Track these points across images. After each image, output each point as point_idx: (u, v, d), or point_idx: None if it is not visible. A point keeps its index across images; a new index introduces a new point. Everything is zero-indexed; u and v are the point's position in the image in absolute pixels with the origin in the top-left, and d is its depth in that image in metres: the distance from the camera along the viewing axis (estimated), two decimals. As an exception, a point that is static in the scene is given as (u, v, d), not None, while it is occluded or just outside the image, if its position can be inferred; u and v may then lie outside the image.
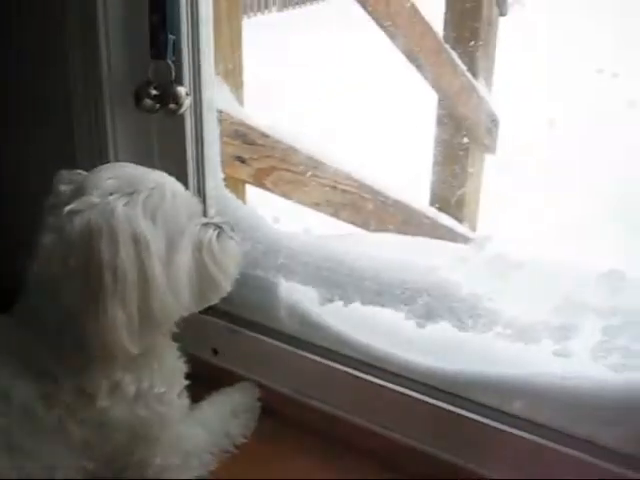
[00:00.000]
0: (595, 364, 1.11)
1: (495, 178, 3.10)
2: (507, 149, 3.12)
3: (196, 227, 1.10)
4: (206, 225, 1.12)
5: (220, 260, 1.11)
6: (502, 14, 2.93)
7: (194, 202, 1.11)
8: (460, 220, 2.76)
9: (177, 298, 1.03)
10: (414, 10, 2.20)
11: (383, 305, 1.29)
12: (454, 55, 2.47)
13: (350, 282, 1.32)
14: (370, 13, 2.06)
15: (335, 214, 2.06)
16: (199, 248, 1.09)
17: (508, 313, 1.16)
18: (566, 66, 5.93)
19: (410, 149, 3.71)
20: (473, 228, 2.91)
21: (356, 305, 1.33)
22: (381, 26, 2.13)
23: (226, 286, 1.12)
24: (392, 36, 2.16)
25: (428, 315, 1.24)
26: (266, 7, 11.50)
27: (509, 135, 3.12)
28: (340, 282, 1.33)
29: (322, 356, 1.36)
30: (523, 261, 1.13)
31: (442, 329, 1.23)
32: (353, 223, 2.17)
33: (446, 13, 2.70)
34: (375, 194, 2.15)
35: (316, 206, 1.98)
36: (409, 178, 2.78)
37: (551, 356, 1.14)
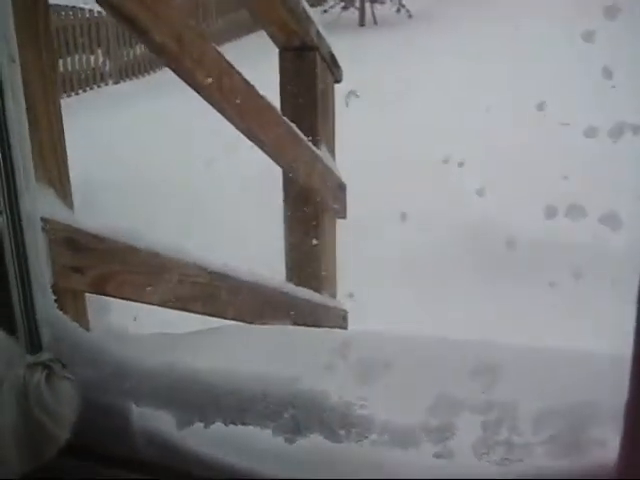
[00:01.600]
0: (479, 461, 1.05)
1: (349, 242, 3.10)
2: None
3: (19, 372, 0.95)
4: (32, 367, 0.98)
5: (51, 407, 0.96)
6: (337, 81, 2.95)
7: (10, 344, 0.96)
8: (319, 290, 2.71)
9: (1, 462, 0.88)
10: (248, 88, 2.15)
11: (246, 423, 1.18)
12: (293, 127, 2.43)
13: (208, 401, 1.20)
14: (204, 97, 1.98)
15: (186, 308, 1.93)
16: (25, 396, 0.94)
17: (382, 418, 1.08)
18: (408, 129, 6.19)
19: (262, 226, 3.66)
20: (333, 295, 2.87)
21: (218, 425, 1.21)
22: (216, 107, 2.06)
23: (62, 435, 0.98)
24: (228, 116, 2.09)
25: (296, 429, 1.13)
26: (102, 80, 11.29)
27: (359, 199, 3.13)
28: (197, 402, 1.21)
29: (186, 483, 1.23)
30: (390, 361, 1.06)
31: (313, 442, 1.13)
32: (209, 314, 2.06)
33: (281, 85, 2.67)
34: (227, 280, 2.04)
35: (165, 303, 1.84)
36: (263, 257, 2.70)
37: (432, 459, 1.07)
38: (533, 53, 7.08)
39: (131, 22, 1.72)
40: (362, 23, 16.10)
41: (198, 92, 1.98)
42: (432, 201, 4.72)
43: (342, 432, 1.11)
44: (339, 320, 2.81)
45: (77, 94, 10.75)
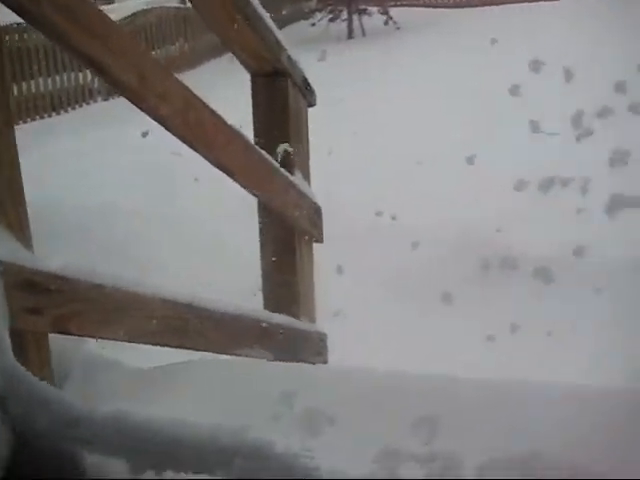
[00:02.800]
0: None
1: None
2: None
3: None
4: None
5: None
6: (310, 105, 2.95)
7: None
8: (298, 316, 2.70)
9: None
10: (216, 119, 2.15)
11: (198, 471, 1.17)
12: (265, 154, 2.43)
13: (160, 450, 1.19)
14: (170, 131, 1.98)
15: (156, 342, 1.93)
16: None
17: (329, 469, 1.08)
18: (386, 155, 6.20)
19: (238, 256, 3.65)
20: (312, 320, 2.87)
21: (169, 474, 1.20)
22: (184, 141, 2.06)
23: None
24: (196, 149, 2.09)
25: (245, 478, 1.13)
26: (91, 97, 11.30)
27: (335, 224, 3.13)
28: (149, 451, 1.20)
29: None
30: (335, 416, 1.06)
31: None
32: (179, 347, 2.05)
33: (254, 111, 2.68)
34: (196, 312, 2.04)
35: (133, 339, 1.83)
36: (240, 287, 2.70)
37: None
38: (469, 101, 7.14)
39: (90, 60, 1.72)
40: (350, 35, 16.14)
41: (164, 126, 1.98)
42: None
43: (288, 484, 1.10)
44: (318, 344, 2.80)
45: (66, 112, 10.77)
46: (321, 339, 2.84)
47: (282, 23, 17.18)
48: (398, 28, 15.58)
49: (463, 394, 1.28)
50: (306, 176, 2.77)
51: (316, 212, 2.80)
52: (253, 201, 2.62)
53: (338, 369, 2.04)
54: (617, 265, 3.76)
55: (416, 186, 5.21)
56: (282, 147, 2.49)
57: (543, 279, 2.71)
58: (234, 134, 2.27)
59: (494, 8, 17.28)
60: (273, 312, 2.58)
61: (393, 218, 4.17)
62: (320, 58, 6.38)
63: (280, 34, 2.61)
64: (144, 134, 4.29)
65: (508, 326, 2.83)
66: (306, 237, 2.71)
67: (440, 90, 7.77)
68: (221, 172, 2.27)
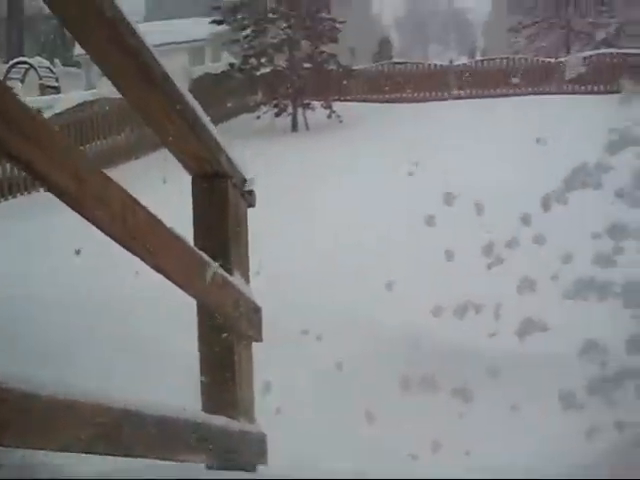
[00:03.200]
0: None
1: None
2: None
3: None
4: None
5: None
6: (250, 205, 3.01)
7: None
8: (236, 417, 2.68)
9: None
10: (154, 222, 2.17)
11: None
12: (204, 256, 2.45)
13: None
14: (107, 234, 1.99)
15: (90, 451, 1.88)
16: None
17: None
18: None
19: (173, 362, 3.62)
20: (251, 421, 2.84)
21: None
22: (121, 244, 2.06)
23: None
24: (135, 253, 2.10)
25: None
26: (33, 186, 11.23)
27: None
28: None
29: None
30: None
31: None
32: (114, 454, 2.01)
33: (194, 212, 2.71)
34: (131, 417, 2.00)
35: (68, 448, 1.79)
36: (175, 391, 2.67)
37: None
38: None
39: (28, 166, 1.73)
40: (295, 129, 16.55)
41: (101, 230, 1.99)
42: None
43: None
44: (257, 444, 2.77)
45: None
46: (261, 439, 2.80)
47: (227, 116, 17.55)
48: (341, 122, 16.06)
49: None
50: (245, 276, 2.79)
51: (255, 312, 2.81)
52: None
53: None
54: (529, 384, 3.99)
55: (337, 306, 5.34)
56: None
57: (462, 398, 2.82)
58: (172, 237, 2.29)
59: (442, 103, 18.09)
60: (212, 414, 2.55)
61: (318, 338, 4.28)
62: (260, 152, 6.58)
63: (219, 136, 2.67)
64: (77, 252, 4.29)
65: (430, 444, 2.93)
66: (244, 338, 2.71)
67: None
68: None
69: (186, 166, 2.68)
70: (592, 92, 18.86)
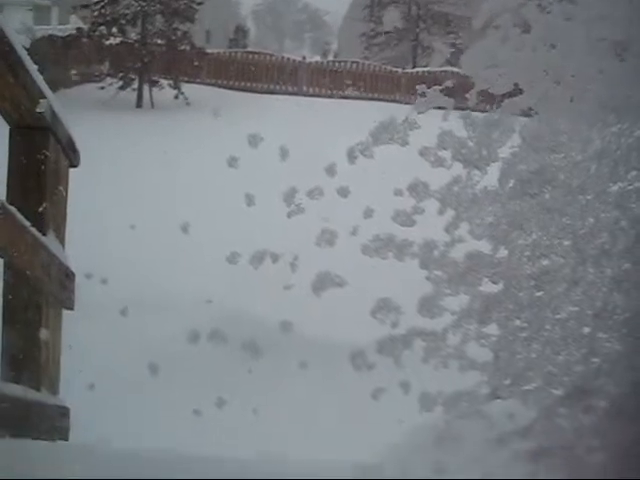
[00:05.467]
0: None
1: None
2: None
3: None
4: None
5: None
6: (73, 165, 2.85)
7: None
8: (38, 386, 2.52)
9: None
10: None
11: None
12: (14, 211, 2.28)
13: None
14: None
15: None
16: None
17: None
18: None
19: None
20: (55, 392, 2.70)
21: None
22: None
23: None
24: None
25: None
26: None
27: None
28: None
29: None
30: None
31: None
32: None
33: (9, 165, 2.52)
34: None
35: None
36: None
37: None
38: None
39: None
40: (139, 104, 16.01)
41: None
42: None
43: None
44: (58, 418, 2.63)
45: None
46: (62, 412, 2.67)
47: (70, 83, 16.65)
48: (188, 104, 15.68)
49: None
50: (61, 238, 2.64)
51: (67, 276, 2.67)
52: None
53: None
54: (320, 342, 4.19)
55: (131, 248, 5.45)
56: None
57: (251, 352, 2.88)
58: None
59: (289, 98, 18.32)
60: (8, 381, 2.39)
61: (104, 282, 4.27)
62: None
63: (47, 89, 2.49)
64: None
65: (214, 400, 2.97)
66: (54, 302, 2.57)
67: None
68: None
69: (5, 115, 2.48)
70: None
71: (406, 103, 19.25)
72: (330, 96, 19.63)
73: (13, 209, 2.31)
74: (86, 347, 4.27)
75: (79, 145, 2.88)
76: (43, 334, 2.53)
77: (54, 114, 2.54)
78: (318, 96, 19.85)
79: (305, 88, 20.77)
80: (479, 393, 1.33)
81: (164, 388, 3.53)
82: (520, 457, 1.29)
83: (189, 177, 8.32)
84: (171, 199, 7.14)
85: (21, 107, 2.43)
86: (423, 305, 1.45)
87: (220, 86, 19.24)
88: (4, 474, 1.42)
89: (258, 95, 18.51)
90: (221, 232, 5.27)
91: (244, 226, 4.74)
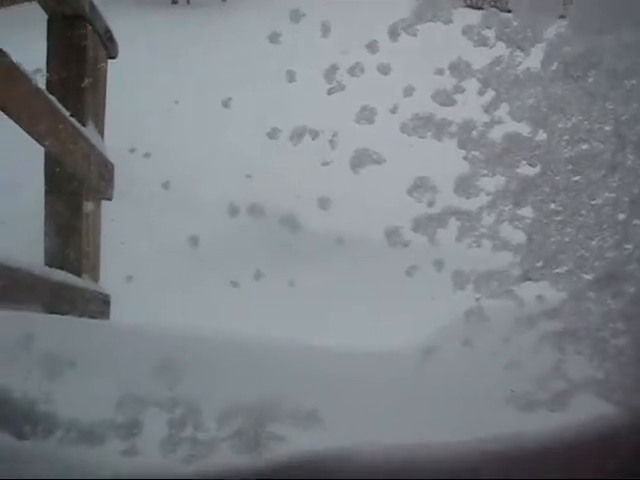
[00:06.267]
0: (165, 459, 1.06)
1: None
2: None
3: None
4: None
5: None
6: (112, 57, 2.85)
7: None
8: (79, 273, 2.62)
9: None
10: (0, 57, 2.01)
11: None
12: (54, 101, 2.31)
13: None
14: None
15: None
16: None
17: (68, 415, 1.05)
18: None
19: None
20: (96, 279, 2.79)
21: None
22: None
23: None
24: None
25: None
26: None
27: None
28: None
29: None
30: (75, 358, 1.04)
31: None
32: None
33: (48, 55, 2.54)
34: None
35: None
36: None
37: (119, 456, 1.06)
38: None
39: None
40: (175, 1, 15.79)
41: None
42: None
43: (27, 428, 1.06)
44: (100, 304, 2.73)
45: None
46: (103, 299, 2.77)
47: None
48: (224, 0, 15.44)
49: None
50: (100, 128, 2.68)
51: (106, 167, 2.71)
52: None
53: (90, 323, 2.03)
54: (357, 218, 4.29)
55: (173, 125, 5.58)
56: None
57: (289, 227, 2.90)
58: (21, 76, 2.15)
59: None
60: (53, 267, 2.48)
61: (146, 156, 4.37)
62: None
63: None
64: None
65: (252, 272, 3.05)
66: (93, 192, 2.62)
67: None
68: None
69: (44, 4, 2.49)
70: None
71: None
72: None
73: (53, 98, 2.34)
74: (129, 219, 4.45)
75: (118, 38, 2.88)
76: (83, 222, 2.60)
77: (92, 6, 2.53)
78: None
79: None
80: (511, 274, 1.35)
81: (204, 259, 3.66)
82: (547, 337, 1.31)
83: (230, 54, 8.33)
84: (213, 76, 7.11)
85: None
86: (459, 185, 1.45)
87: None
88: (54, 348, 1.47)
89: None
90: (262, 108, 5.34)
91: (285, 102, 4.80)
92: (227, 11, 14.88)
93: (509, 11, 1.45)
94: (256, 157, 4.92)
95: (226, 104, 4.36)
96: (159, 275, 4.11)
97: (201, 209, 4.59)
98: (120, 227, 4.06)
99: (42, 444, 1.08)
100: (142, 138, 4.99)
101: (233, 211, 3.06)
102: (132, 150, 3.99)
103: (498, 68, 1.39)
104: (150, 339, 1.58)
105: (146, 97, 6.93)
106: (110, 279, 3.09)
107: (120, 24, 3.17)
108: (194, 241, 3.47)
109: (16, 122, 2.19)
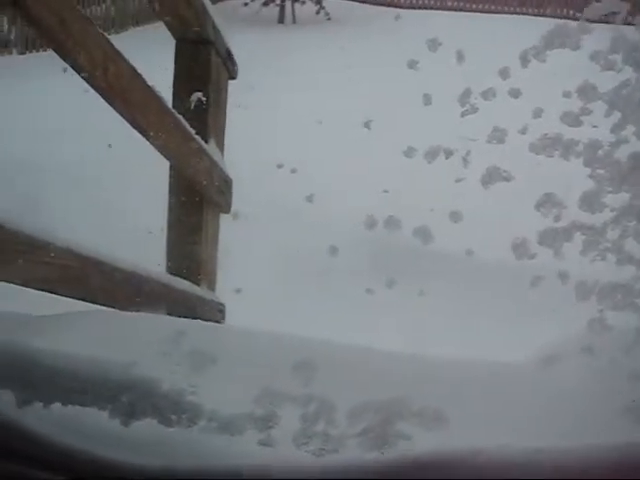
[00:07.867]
0: (298, 450, 1.12)
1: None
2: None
3: None
4: None
5: None
6: (232, 77, 2.99)
7: None
8: (198, 283, 2.74)
9: None
10: (135, 76, 2.16)
11: (85, 404, 1.21)
12: (181, 119, 2.45)
13: (47, 381, 1.22)
14: (87, 81, 1.98)
15: (53, 291, 1.93)
16: None
17: (210, 407, 1.14)
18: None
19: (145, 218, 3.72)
20: (212, 289, 2.91)
21: (57, 406, 1.23)
22: (100, 93, 2.06)
23: None
24: (112, 104, 2.10)
25: (132, 413, 1.17)
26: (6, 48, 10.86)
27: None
28: (36, 382, 1.23)
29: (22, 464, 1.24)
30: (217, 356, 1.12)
31: (147, 426, 1.17)
32: (78, 298, 2.06)
33: (175, 76, 2.69)
34: (99, 266, 2.05)
35: (28, 284, 1.84)
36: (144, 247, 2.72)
37: (256, 446, 1.13)
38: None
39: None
40: (281, 21, 16.15)
41: (82, 77, 1.98)
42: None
43: (174, 417, 1.15)
44: (216, 313, 2.85)
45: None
46: (219, 309, 2.88)
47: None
48: (329, 19, 15.69)
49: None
50: (220, 146, 2.81)
51: (226, 183, 2.84)
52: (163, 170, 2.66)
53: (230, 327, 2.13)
54: (486, 231, 4.37)
55: (317, 143, 5.85)
56: (196, 95, 2.53)
57: (422, 239, 2.97)
58: (152, 95, 2.29)
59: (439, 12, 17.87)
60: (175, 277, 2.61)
61: (293, 171, 4.59)
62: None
63: (208, 2, 2.63)
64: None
65: (385, 280, 3.15)
66: (213, 206, 2.75)
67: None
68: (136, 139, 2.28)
69: (171, 28, 2.64)
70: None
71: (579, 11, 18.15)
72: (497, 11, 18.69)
73: (180, 117, 2.48)
74: (275, 227, 4.66)
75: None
76: (202, 234, 2.73)
77: (215, 28, 2.67)
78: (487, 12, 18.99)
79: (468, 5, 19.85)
80: (634, 287, 1.35)
81: (341, 267, 3.86)
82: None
83: (371, 78, 8.75)
84: (354, 98, 7.54)
85: (185, 21, 2.58)
86: (584, 201, 1.47)
87: (367, 2, 18.86)
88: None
89: (406, 11, 18.19)
90: (399, 129, 5.60)
91: (421, 124, 5.02)
92: (334, 29, 15.16)
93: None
94: (393, 174, 5.12)
95: (367, 125, 4.58)
96: (295, 282, 4.35)
97: (341, 221, 4.85)
98: (263, 229, 4.42)
99: (186, 432, 1.17)
100: (290, 154, 5.17)
101: (370, 223, 3.16)
102: (280, 166, 4.27)
103: (624, 91, 1.40)
104: (285, 342, 1.65)
105: (289, 117, 7.47)
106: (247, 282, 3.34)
107: (238, 44, 3.35)
108: (333, 251, 3.63)
109: (143, 135, 2.34)
